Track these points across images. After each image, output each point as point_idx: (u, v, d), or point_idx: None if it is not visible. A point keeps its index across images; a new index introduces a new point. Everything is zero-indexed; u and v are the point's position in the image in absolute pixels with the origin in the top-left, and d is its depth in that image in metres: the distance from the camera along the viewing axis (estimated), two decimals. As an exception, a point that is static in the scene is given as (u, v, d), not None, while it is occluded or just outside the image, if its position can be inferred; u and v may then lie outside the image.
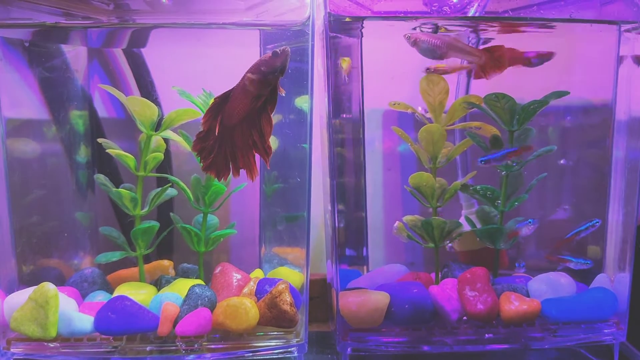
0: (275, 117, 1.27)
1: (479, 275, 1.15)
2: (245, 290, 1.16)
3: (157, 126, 1.17)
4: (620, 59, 1.20)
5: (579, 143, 1.34)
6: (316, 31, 1.14)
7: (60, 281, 1.21)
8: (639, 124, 1.18)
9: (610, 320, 1.17)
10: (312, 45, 1.10)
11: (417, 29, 1.22)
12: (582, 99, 1.31)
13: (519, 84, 1.27)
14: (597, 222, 1.18)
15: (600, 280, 1.22)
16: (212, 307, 1.10)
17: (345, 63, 1.19)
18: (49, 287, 1.06)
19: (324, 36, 1.14)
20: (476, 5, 1.13)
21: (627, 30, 1.18)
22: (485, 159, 1.15)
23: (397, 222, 1.25)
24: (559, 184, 1.35)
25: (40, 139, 1.26)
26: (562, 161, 1.24)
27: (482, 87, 1.25)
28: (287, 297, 1.09)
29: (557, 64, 1.25)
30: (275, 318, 1.09)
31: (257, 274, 1.26)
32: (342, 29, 1.20)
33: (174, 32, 1.22)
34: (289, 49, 1.00)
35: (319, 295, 1.45)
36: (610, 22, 1.17)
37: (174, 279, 1.22)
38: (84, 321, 1.07)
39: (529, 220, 1.19)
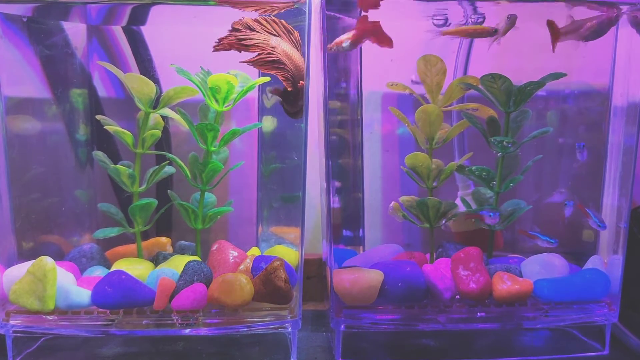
0: (273, 98, 1.28)
1: (473, 255, 1.16)
2: (242, 267, 1.17)
3: (156, 104, 1.18)
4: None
5: (576, 126, 1.34)
6: (314, 10, 1.15)
7: (59, 256, 1.22)
8: (635, 107, 1.18)
9: (602, 301, 1.18)
10: (309, 24, 1.10)
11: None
12: (580, 83, 1.31)
13: (519, 67, 1.27)
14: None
15: (593, 261, 1.23)
16: (207, 283, 1.12)
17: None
18: (46, 260, 1.08)
19: (322, 15, 1.14)
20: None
21: (627, 12, 1.18)
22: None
23: (392, 202, 1.26)
24: (555, 166, 1.35)
25: (40, 116, 1.27)
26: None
27: (480, 69, 1.25)
28: (282, 274, 1.10)
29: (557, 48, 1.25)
30: (269, 294, 1.10)
31: (254, 252, 1.28)
32: (341, 8, 1.21)
33: (174, 10, 1.22)
34: None
35: (316, 275, 1.47)
36: (610, 3, 1.16)
37: (172, 255, 1.23)
38: (82, 294, 1.09)
39: (492, 213, 1.19)
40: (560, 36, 1.16)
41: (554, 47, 1.18)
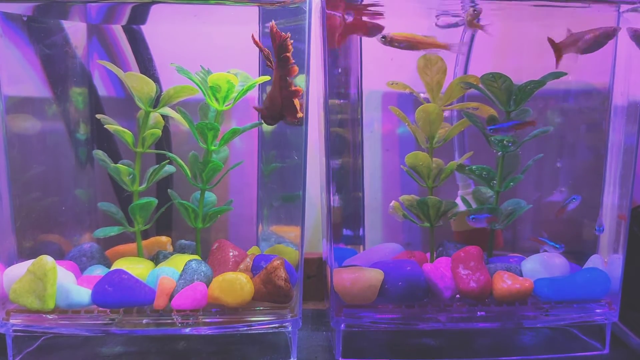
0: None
1: (473, 254, 1.16)
2: (242, 266, 1.17)
3: (156, 103, 1.18)
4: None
5: (576, 125, 1.34)
6: (315, 9, 1.14)
7: (59, 255, 1.22)
8: (635, 107, 1.18)
9: (602, 300, 1.18)
10: (309, 23, 1.10)
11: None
12: (580, 82, 1.31)
13: (519, 66, 1.27)
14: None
15: (593, 261, 1.23)
16: (208, 282, 1.12)
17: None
18: (47, 259, 1.08)
19: (321, 14, 1.14)
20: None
21: (627, 11, 1.18)
22: (496, 127, 1.17)
23: (393, 201, 1.26)
24: (555, 165, 1.35)
25: (40, 116, 1.27)
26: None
27: (481, 69, 1.25)
28: (282, 273, 1.10)
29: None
30: (270, 293, 1.10)
31: (254, 251, 1.28)
32: (341, 7, 1.20)
33: (174, 9, 1.22)
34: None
35: (316, 274, 1.47)
36: (609, 2, 1.16)
37: (172, 254, 1.23)
38: (82, 294, 1.09)
39: (472, 217, 1.21)
40: (562, 52, 1.16)
41: (557, 64, 1.18)
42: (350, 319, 1.14)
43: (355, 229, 1.39)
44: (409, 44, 1.15)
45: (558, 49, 1.16)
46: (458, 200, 1.34)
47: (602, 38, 1.15)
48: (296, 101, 1.08)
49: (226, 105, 1.18)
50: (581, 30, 1.16)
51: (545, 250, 1.22)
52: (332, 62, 1.23)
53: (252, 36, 1.08)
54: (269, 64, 1.09)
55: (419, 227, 1.26)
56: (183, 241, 1.29)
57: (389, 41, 1.14)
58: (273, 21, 1.05)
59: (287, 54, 1.05)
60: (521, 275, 1.19)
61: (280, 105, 1.09)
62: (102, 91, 1.35)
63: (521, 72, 1.22)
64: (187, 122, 1.18)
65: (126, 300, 1.08)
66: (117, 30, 1.32)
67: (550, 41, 1.17)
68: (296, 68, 1.06)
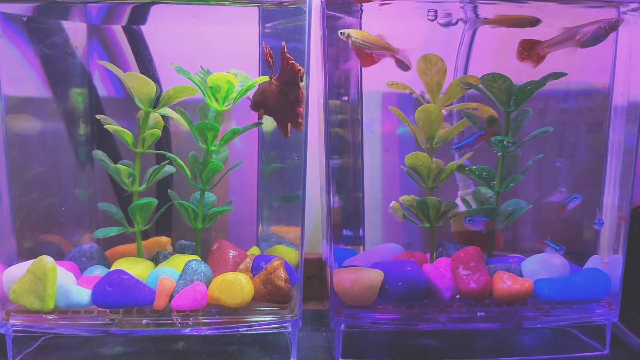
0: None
1: (472, 255, 1.15)
2: (242, 266, 1.17)
3: (156, 103, 1.18)
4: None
5: (576, 126, 1.34)
6: (315, 9, 1.14)
7: (59, 256, 1.22)
8: (636, 107, 1.18)
9: (602, 301, 1.18)
10: (309, 24, 1.10)
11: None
12: (580, 82, 1.31)
13: (519, 67, 1.27)
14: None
15: (593, 261, 1.23)
16: (207, 282, 1.12)
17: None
18: (46, 259, 1.08)
19: (322, 14, 1.14)
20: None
21: (626, 12, 1.18)
22: (460, 145, 1.18)
23: (393, 201, 1.26)
24: (555, 165, 1.35)
25: (40, 116, 1.27)
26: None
27: (480, 69, 1.25)
28: (282, 273, 1.10)
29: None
30: (270, 294, 1.10)
31: (254, 251, 1.28)
32: (341, 7, 1.20)
33: (174, 9, 1.22)
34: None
35: (316, 274, 1.47)
36: (610, 2, 1.16)
37: (172, 254, 1.23)
38: (82, 294, 1.09)
39: (469, 219, 1.21)
40: (539, 60, 1.17)
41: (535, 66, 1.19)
42: (350, 319, 1.14)
43: (355, 230, 1.38)
44: (363, 43, 1.16)
45: (537, 57, 1.16)
46: (458, 201, 1.34)
47: (603, 30, 1.14)
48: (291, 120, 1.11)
49: (226, 106, 1.18)
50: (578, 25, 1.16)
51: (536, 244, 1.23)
52: (332, 62, 1.23)
53: (267, 50, 1.10)
54: (271, 74, 1.11)
55: (419, 227, 1.26)
56: (183, 241, 1.29)
57: (346, 37, 1.14)
58: (284, 43, 1.08)
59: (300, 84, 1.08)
60: (521, 275, 1.19)
61: (268, 106, 1.12)
62: (102, 91, 1.35)
63: (521, 72, 1.22)
64: (187, 122, 1.18)
65: (126, 300, 1.08)
66: (117, 30, 1.32)
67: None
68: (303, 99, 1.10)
